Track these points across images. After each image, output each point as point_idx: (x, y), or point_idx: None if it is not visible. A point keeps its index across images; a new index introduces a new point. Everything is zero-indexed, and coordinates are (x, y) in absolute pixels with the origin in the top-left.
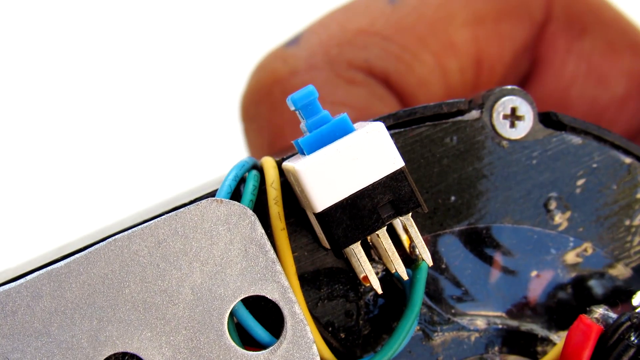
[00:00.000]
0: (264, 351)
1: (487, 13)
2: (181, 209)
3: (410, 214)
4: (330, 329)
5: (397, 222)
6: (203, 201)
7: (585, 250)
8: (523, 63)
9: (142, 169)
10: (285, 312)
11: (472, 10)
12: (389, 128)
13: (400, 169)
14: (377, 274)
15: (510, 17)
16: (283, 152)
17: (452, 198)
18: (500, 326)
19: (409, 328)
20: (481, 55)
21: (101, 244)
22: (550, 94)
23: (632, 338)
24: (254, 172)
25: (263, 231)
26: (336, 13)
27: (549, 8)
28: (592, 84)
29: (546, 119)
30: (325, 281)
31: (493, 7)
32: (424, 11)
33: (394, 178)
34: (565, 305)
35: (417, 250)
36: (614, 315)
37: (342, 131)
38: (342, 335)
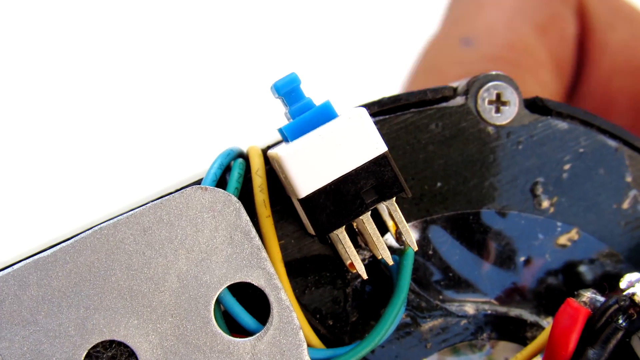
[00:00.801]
0: (250, 337)
1: (544, 19)
2: (166, 197)
3: (394, 198)
4: (318, 316)
5: (383, 209)
6: (188, 189)
7: (573, 235)
8: (576, 62)
9: (139, 167)
10: (271, 298)
11: (534, 23)
12: (373, 115)
13: (383, 153)
14: (363, 260)
15: (561, 16)
16: None
17: (439, 184)
18: (489, 312)
19: (395, 314)
20: (558, 61)
21: (87, 232)
22: (594, 89)
23: (620, 321)
24: (240, 160)
25: (248, 218)
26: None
27: (580, 2)
28: (630, 76)
29: (532, 104)
30: (312, 268)
31: (546, 11)
32: (497, 40)
33: (377, 163)
34: (554, 290)
35: (403, 236)
36: (601, 299)
37: (326, 117)
38: (330, 322)
